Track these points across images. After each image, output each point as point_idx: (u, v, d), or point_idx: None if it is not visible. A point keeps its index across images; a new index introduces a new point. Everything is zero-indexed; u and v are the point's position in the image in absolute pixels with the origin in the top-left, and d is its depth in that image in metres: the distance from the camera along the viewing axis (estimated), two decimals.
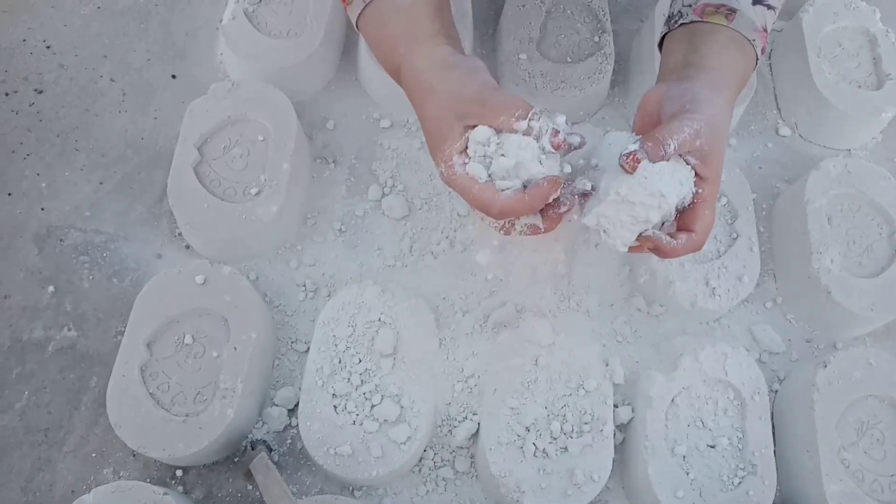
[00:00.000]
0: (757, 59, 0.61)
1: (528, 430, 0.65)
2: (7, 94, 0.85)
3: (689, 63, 0.59)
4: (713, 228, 0.59)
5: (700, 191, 0.57)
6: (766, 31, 0.61)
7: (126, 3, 0.92)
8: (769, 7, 0.61)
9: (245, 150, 0.77)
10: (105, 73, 0.87)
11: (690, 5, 0.62)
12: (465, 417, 0.68)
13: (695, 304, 0.74)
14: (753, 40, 0.60)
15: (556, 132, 0.53)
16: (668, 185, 0.54)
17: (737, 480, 0.65)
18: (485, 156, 0.55)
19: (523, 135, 0.53)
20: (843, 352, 0.71)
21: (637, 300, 0.76)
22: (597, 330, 0.75)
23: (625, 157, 0.53)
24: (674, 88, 0.57)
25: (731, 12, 0.60)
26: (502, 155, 0.53)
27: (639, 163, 0.52)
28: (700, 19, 0.60)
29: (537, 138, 0.54)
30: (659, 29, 0.82)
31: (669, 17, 0.64)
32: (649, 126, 0.57)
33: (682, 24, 0.61)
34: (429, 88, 0.55)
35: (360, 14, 0.56)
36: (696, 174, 0.57)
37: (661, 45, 0.67)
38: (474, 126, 0.54)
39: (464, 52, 0.58)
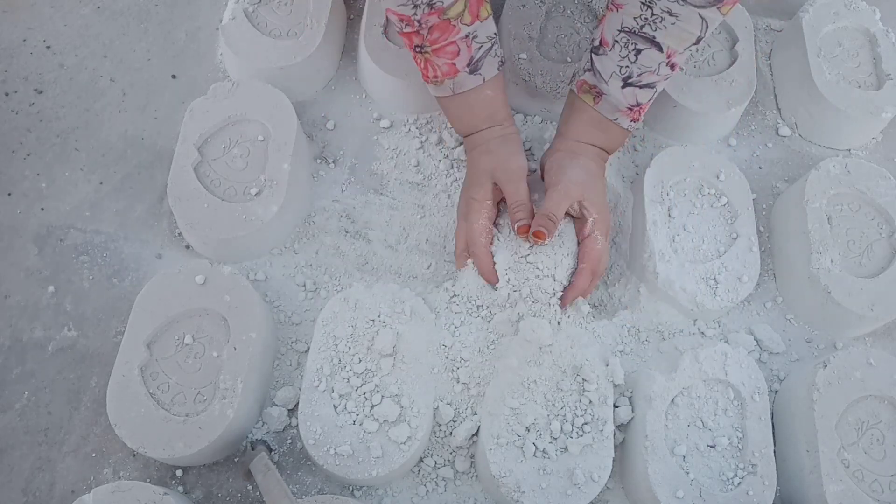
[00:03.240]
0: (627, 129, 0.74)
1: (528, 429, 0.65)
2: (7, 94, 0.85)
3: (561, 134, 0.76)
4: (606, 255, 0.74)
5: (587, 231, 0.73)
6: (637, 105, 0.72)
7: (126, 4, 0.92)
8: (643, 86, 0.70)
9: (245, 150, 0.77)
10: (105, 73, 0.87)
11: (578, 74, 0.74)
12: (465, 417, 0.68)
13: (695, 304, 0.74)
14: (616, 119, 0.73)
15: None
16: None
17: (737, 480, 0.65)
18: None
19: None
20: (843, 352, 0.71)
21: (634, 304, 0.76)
22: (597, 330, 0.74)
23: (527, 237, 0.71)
24: (547, 161, 0.75)
25: (599, 95, 0.72)
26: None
27: (539, 238, 0.70)
28: (576, 92, 0.74)
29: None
30: None
31: (573, 74, 0.77)
32: (562, 197, 0.72)
33: (570, 88, 0.75)
34: (488, 150, 0.74)
35: (447, 97, 0.73)
36: (584, 216, 0.73)
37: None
38: (496, 186, 0.73)
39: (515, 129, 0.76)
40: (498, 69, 0.72)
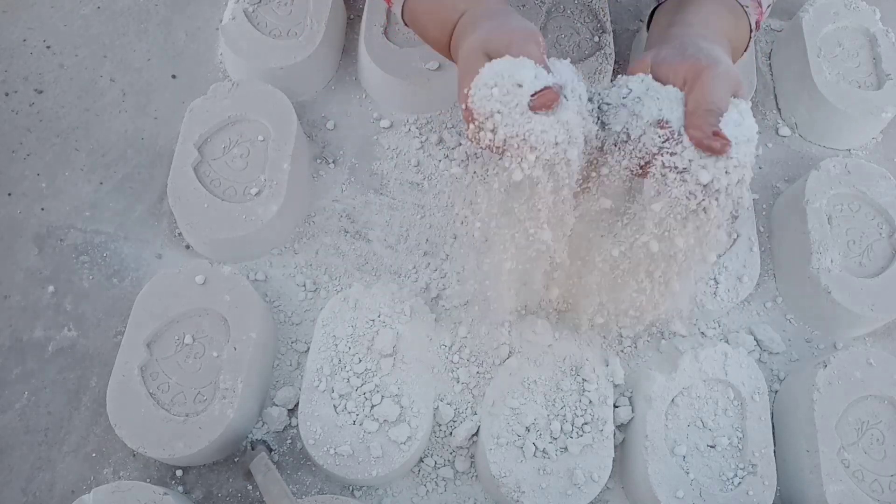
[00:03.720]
0: (751, 28, 0.59)
1: (528, 429, 0.65)
2: (7, 94, 0.85)
3: (674, 23, 0.57)
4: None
5: None
6: (760, 5, 0.58)
7: (126, 3, 0.92)
8: None
9: (245, 150, 0.77)
10: (105, 73, 0.87)
11: None
12: (465, 417, 0.68)
13: (695, 304, 0.74)
14: (746, 7, 0.58)
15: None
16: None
17: (737, 480, 0.65)
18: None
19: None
20: (843, 352, 0.71)
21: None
22: (597, 330, 0.74)
23: (712, 139, 0.50)
24: (664, 49, 0.55)
25: None
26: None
27: (728, 143, 0.50)
28: None
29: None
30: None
31: None
32: (724, 88, 0.53)
33: None
34: (475, 27, 0.54)
35: None
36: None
37: (649, 23, 0.66)
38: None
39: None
40: None
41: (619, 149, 0.54)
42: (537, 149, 0.50)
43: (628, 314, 0.62)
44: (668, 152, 0.52)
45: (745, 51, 0.62)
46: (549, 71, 0.52)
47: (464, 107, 0.52)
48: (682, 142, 0.51)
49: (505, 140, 0.50)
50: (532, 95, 0.50)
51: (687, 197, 0.51)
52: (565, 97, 0.52)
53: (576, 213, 0.56)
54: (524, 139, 0.49)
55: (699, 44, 0.54)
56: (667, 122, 0.52)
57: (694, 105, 0.52)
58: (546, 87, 0.50)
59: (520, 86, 0.50)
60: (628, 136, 0.53)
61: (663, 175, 0.52)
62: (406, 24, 0.60)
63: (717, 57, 0.53)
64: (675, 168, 0.51)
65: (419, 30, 0.60)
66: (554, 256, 0.56)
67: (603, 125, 0.55)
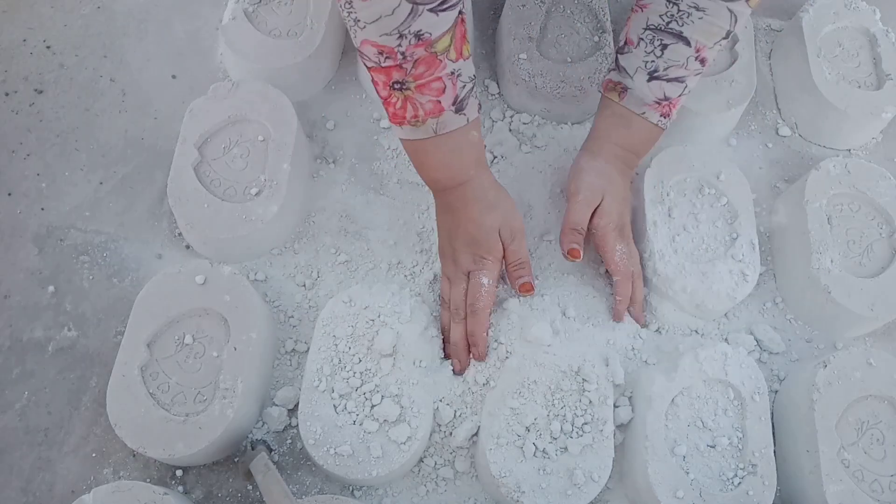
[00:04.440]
0: (657, 125, 0.72)
1: (528, 429, 0.65)
2: (7, 95, 0.85)
3: (589, 135, 0.75)
4: (634, 255, 0.74)
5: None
6: (667, 99, 0.70)
7: (126, 4, 0.92)
8: (670, 80, 0.69)
9: (245, 150, 0.77)
10: (105, 74, 0.87)
11: (603, 75, 0.75)
12: (466, 417, 0.68)
13: (695, 303, 0.74)
14: (643, 113, 0.71)
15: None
16: None
17: (737, 480, 0.65)
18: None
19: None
20: (843, 352, 0.71)
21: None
22: (597, 330, 0.74)
23: (567, 257, 0.72)
24: (571, 168, 0.75)
25: (624, 90, 0.71)
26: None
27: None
28: (602, 92, 0.74)
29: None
30: None
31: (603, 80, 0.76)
32: (583, 207, 0.72)
33: (598, 91, 0.75)
34: (492, 205, 0.69)
35: (426, 139, 0.65)
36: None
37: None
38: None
39: None
40: (478, 112, 0.67)
41: None
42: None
43: None
44: None
45: (658, 139, 0.75)
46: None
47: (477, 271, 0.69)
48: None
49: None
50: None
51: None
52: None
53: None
54: None
55: (579, 165, 0.74)
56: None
57: (562, 226, 0.73)
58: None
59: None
60: None
61: None
62: (405, 147, 0.68)
63: (581, 184, 0.72)
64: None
65: (418, 164, 0.68)
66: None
67: None
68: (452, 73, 0.62)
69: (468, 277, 0.69)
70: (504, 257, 0.70)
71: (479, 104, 0.70)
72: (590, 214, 0.72)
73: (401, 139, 0.67)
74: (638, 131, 0.72)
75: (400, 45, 0.58)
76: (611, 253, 0.73)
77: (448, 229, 0.70)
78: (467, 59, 0.63)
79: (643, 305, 0.76)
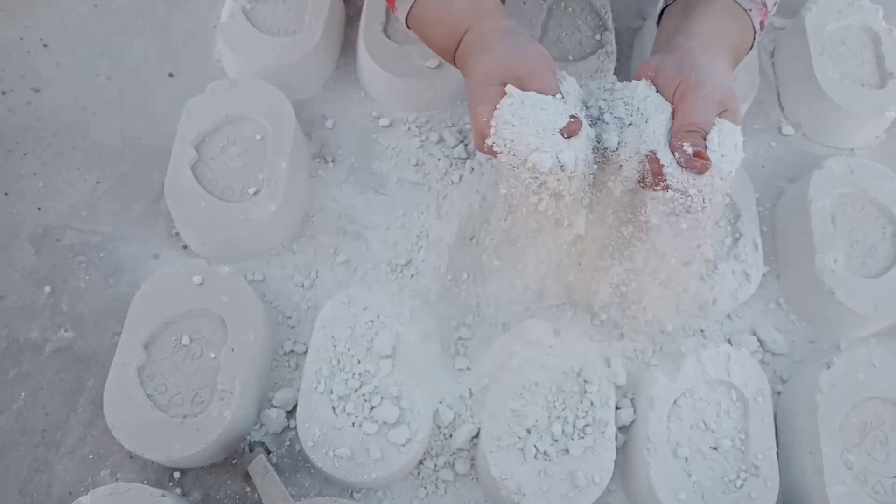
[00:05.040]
0: (755, 31, 0.61)
1: (529, 432, 0.64)
2: (3, 93, 0.84)
3: (679, 30, 0.60)
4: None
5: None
6: (765, 6, 0.61)
7: (123, 2, 0.91)
8: None
9: (243, 149, 0.76)
10: (102, 72, 0.87)
11: None
12: (466, 420, 0.68)
13: (697, 304, 0.74)
14: (750, 10, 0.60)
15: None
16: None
17: (739, 482, 0.65)
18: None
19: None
20: (846, 353, 0.70)
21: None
22: (598, 330, 0.74)
23: (692, 160, 0.54)
24: (667, 59, 0.58)
25: None
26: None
27: (708, 163, 0.54)
28: None
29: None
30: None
31: None
32: (710, 105, 0.56)
33: None
34: (487, 48, 0.56)
35: (417, 4, 0.58)
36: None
37: (659, 20, 0.68)
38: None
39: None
40: None
41: (612, 166, 0.59)
42: (567, 169, 0.54)
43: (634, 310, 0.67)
44: (660, 177, 0.56)
45: (750, 51, 0.64)
46: (562, 95, 0.55)
47: (489, 141, 0.55)
48: (669, 164, 0.55)
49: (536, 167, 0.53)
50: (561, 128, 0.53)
51: (674, 203, 0.56)
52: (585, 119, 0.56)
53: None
54: (557, 163, 0.53)
55: (696, 58, 0.57)
56: (653, 154, 0.55)
57: (678, 125, 0.55)
58: (573, 117, 0.54)
59: (548, 124, 0.53)
60: (619, 159, 0.58)
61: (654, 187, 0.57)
62: (409, 28, 0.62)
63: (706, 76, 0.55)
64: (664, 185, 0.56)
65: (424, 36, 0.61)
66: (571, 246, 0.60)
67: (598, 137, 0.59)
68: None
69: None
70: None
71: None
72: (715, 118, 0.54)
73: (404, 22, 0.60)
74: (745, 33, 0.60)
75: None
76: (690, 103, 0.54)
77: (467, 89, 0.58)
78: None
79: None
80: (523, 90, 0.54)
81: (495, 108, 0.54)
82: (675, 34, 0.60)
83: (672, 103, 0.56)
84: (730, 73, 0.59)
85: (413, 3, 0.59)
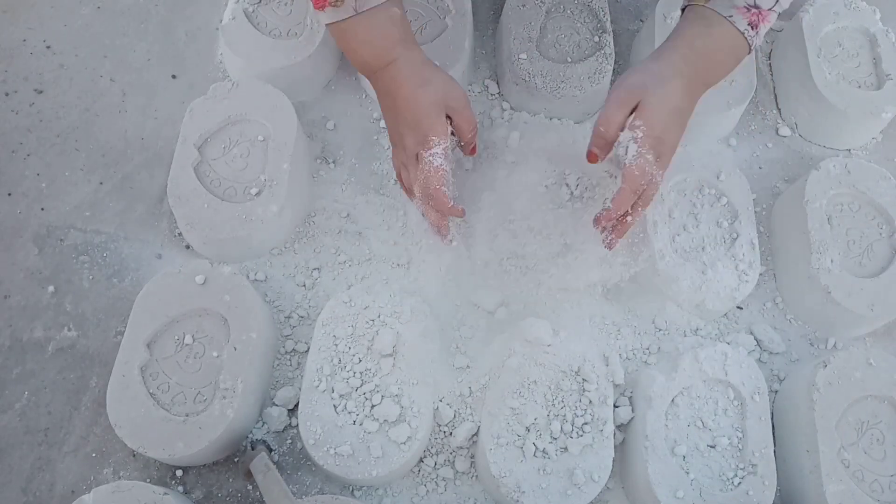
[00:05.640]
0: (743, 34, 0.63)
1: (528, 430, 0.65)
2: (7, 94, 0.85)
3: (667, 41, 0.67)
4: (657, 177, 0.66)
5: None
6: (757, 7, 0.63)
7: (126, 4, 0.92)
8: None
9: (245, 150, 0.77)
10: (105, 74, 0.87)
11: None
12: (465, 418, 0.68)
13: (695, 303, 0.74)
14: (730, 16, 0.63)
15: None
16: None
17: (737, 480, 0.65)
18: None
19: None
20: (843, 352, 0.71)
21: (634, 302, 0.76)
22: (597, 330, 0.75)
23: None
24: (632, 76, 0.65)
25: None
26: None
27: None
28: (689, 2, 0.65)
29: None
30: (659, 29, 0.83)
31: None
32: (613, 105, 0.65)
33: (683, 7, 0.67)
34: (426, 80, 0.66)
35: (345, 21, 0.64)
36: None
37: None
38: (451, 120, 0.68)
39: None
40: None
41: None
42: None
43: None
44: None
45: (749, 52, 0.67)
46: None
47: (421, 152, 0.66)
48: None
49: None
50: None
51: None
52: None
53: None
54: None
55: (635, 66, 0.66)
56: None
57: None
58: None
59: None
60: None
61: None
62: (327, 28, 0.67)
63: (619, 83, 0.65)
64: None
65: (345, 46, 0.67)
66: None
67: None
68: None
69: (418, 160, 0.67)
70: (454, 131, 0.68)
71: None
72: (622, 116, 0.63)
73: (326, 25, 0.65)
74: (720, 36, 0.64)
75: None
76: (629, 158, 0.63)
77: (390, 114, 0.68)
78: None
79: (626, 232, 0.68)
80: (452, 120, 0.68)
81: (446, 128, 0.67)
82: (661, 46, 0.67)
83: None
84: (665, 73, 0.64)
85: (345, 19, 0.64)
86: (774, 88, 0.94)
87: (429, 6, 0.88)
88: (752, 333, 0.77)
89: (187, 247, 0.78)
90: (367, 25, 0.64)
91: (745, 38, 0.64)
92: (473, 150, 0.71)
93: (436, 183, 0.66)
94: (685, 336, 0.76)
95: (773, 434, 0.69)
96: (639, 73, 0.64)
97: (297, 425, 0.65)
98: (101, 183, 0.81)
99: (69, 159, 0.82)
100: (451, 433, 0.68)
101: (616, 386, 0.69)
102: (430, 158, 0.66)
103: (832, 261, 0.75)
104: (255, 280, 0.76)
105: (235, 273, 0.70)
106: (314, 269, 0.77)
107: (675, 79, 0.64)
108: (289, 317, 0.74)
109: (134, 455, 0.67)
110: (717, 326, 0.77)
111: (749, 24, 0.64)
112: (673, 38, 0.65)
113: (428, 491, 0.67)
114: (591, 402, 0.66)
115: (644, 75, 0.64)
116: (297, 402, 0.67)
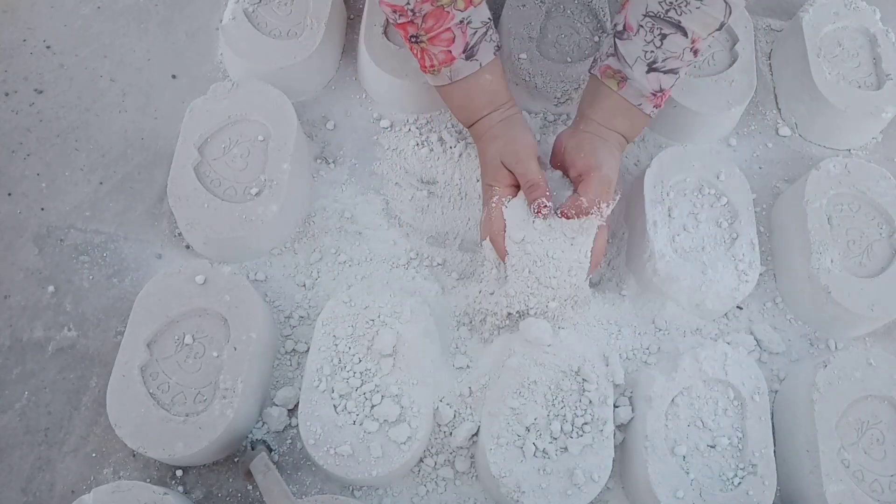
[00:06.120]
0: (649, 115, 0.73)
1: (528, 430, 0.65)
2: (7, 95, 0.85)
3: (585, 117, 0.74)
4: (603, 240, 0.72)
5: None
6: (661, 91, 0.71)
7: (126, 4, 0.92)
8: (667, 71, 0.70)
9: (245, 150, 0.77)
10: (105, 73, 0.87)
11: (600, 59, 0.73)
12: (465, 418, 0.68)
13: (695, 303, 0.74)
14: (640, 104, 0.72)
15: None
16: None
17: (737, 480, 0.65)
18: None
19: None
20: (843, 352, 0.71)
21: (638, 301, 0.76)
22: (597, 330, 0.75)
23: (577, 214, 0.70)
24: (571, 141, 0.73)
25: (623, 80, 0.71)
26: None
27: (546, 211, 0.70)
28: (599, 77, 0.73)
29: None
30: None
31: (594, 59, 0.75)
32: (558, 161, 0.75)
33: (591, 73, 0.74)
34: (494, 136, 0.73)
35: (447, 85, 0.72)
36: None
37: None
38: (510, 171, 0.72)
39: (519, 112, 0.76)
40: (494, 54, 0.71)
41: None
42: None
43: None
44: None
45: (644, 127, 0.78)
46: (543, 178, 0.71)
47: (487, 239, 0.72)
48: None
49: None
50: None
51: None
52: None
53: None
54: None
55: (594, 145, 0.72)
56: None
57: (572, 200, 0.70)
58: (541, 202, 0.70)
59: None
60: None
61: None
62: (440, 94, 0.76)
63: (605, 165, 0.70)
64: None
65: (449, 107, 0.76)
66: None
67: None
68: (461, 21, 0.68)
69: (486, 207, 0.73)
70: (518, 183, 0.72)
71: (498, 45, 0.72)
72: (609, 197, 0.70)
73: (432, 85, 0.74)
74: (635, 122, 0.73)
75: (409, 3, 0.66)
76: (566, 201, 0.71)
77: (480, 163, 0.76)
78: (479, 5, 0.68)
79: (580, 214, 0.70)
80: (511, 170, 0.71)
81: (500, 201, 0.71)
82: (583, 119, 0.74)
83: (571, 178, 0.73)
84: (617, 159, 0.72)
85: (443, 86, 0.73)
86: (774, 88, 0.94)
87: None
88: (752, 333, 0.77)
89: (187, 247, 0.78)
90: (460, 92, 0.73)
91: (650, 117, 0.73)
92: (539, 211, 0.69)
93: (496, 226, 0.71)
94: (685, 336, 0.76)
95: (773, 434, 0.69)
96: (610, 159, 0.71)
97: (297, 425, 0.65)
98: (101, 183, 0.81)
99: (69, 159, 0.82)
100: (451, 433, 0.68)
101: (616, 386, 0.69)
102: (493, 205, 0.71)
103: (832, 261, 0.75)
104: (255, 280, 0.76)
105: (235, 273, 0.70)
106: (314, 269, 0.77)
107: (619, 162, 0.73)
108: (289, 317, 0.74)
109: (134, 455, 0.67)
110: (717, 326, 0.77)
111: (654, 106, 0.72)
112: (598, 122, 0.73)
113: (428, 491, 0.67)
114: (591, 402, 0.66)
115: (613, 162, 0.71)
116: (297, 402, 0.67)
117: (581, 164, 0.71)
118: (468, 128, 0.76)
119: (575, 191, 0.71)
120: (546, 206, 0.69)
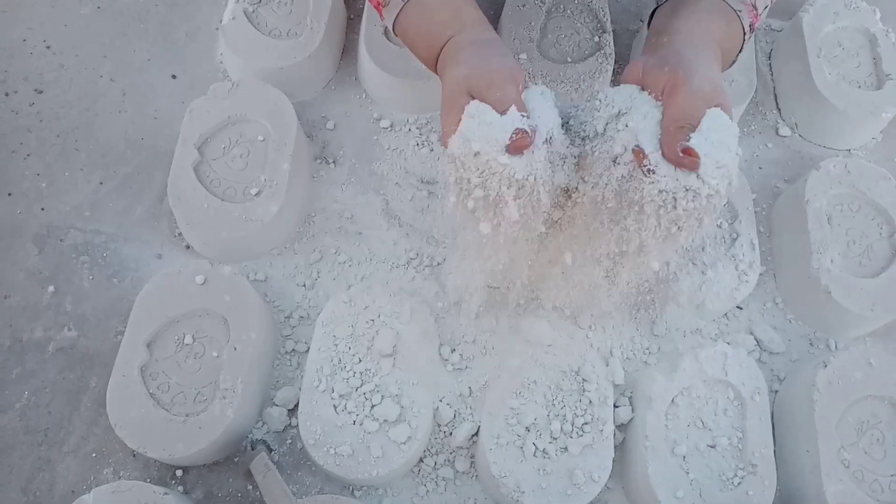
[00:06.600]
0: (745, 32, 0.59)
1: (528, 429, 0.65)
2: (7, 95, 0.85)
3: (665, 30, 0.58)
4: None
5: None
6: (755, 8, 0.59)
7: (126, 3, 0.92)
8: None
9: (245, 150, 0.77)
10: (105, 73, 0.87)
11: None
12: (465, 418, 0.68)
13: (695, 303, 0.74)
14: (740, 11, 0.58)
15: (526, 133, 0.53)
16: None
17: (737, 480, 0.65)
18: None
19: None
20: (843, 352, 0.71)
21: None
22: (596, 330, 0.75)
23: (685, 158, 0.52)
24: (652, 59, 0.56)
25: None
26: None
27: (697, 161, 0.52)
28: None
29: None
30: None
31: None
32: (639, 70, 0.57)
33: None
34: (458, 60, 0.56)
35: (402, 8, 0.59)
36: None
37: (650, 23, 0.66)
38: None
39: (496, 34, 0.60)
40: None
41: (600, 166, 0.56)
42: (512, 187, 0.53)
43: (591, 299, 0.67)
44: (647, 169, 0.53)
45: (740, 52, 0.63)
46: (524, 110, 0.54)
47: (448, 150, 0.55)
48: (657, 163, 0.53)
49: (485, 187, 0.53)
50: (509, 140, 0.52)
51: (662, 204, 0.54)
52: (548, 141, 0.54)
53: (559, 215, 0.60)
54: (500, 180, 0.53)
55: (683, 54, 0.55)
56: (640, 149, 0.53)
57: (667, 121, 0.53)
58: (519, 130, 0.52)
59: (496, 139, 0.52)
60: (610, 159, 0.55)
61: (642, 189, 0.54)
62: (396, 36, 0.62)
63: (693, 70, 0.53)
64: (652, 184, 0.53)
65: (408, 44, 0.62)
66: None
67: (584, 140, 0.58)
68: None
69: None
70: None
71: None
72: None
73: (392, 30, 0.61)
74: (734, 35, 0.59)
75: None
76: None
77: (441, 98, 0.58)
78: None
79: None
80: (482, 101, 0.53)
81: (460, 119, 0.54)
82: (662, 34, 0.59)
83: (661, 101, 0.55)
84: (718, 68, 0.57)
85: (399, 12, 0.59)
86: (774, 88, 0.94)
87: None
88: (752, 333, 0.77)
89: (187, 247, 0.78)
90: (417, 13, 0.59)
91: (745, 40, 0.60)
92: (516, 144, 0.52)
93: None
94: (685, 336, 0.76)
95: (773, 434, 0.69)
96: (706, 66, 0.54)
97: (297, 425, 0.66)
98: (101, 183, 0.81)
99: (69, 159, 0.82)
100: (451, 433, 0.68)
101: (616, 386, 0.69)
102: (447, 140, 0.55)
103: (832, 261, 0.75)
104: (255, 280, 0.76)
105: (235, 273, 0.70)
106: (314, 269, 0.77)
107: (717, 69, 0.57)
108: (289, 317, 0.74)
109: (134, 455, 0.68)
110: (717, 326, 0.77)
111: (751, 24, 0.60)
112: (694, 27, 0.58)
113: (428, 491, 0.68)
114: (591, 402, 0.66)
115: (711, 70, 0.55)
116: (297, 402, 0.67)
117: (667, 82, 0.53)
118: (435, 70, 0.60)
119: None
120: (527, 136, 0.51)
